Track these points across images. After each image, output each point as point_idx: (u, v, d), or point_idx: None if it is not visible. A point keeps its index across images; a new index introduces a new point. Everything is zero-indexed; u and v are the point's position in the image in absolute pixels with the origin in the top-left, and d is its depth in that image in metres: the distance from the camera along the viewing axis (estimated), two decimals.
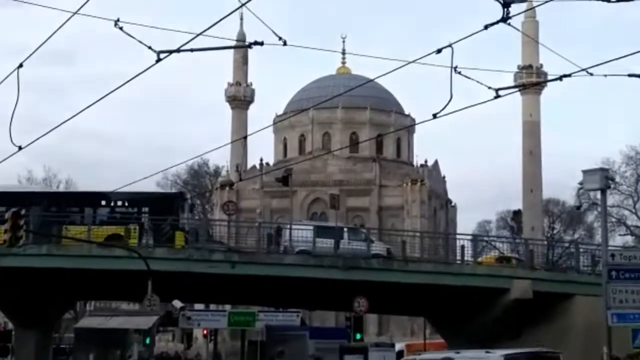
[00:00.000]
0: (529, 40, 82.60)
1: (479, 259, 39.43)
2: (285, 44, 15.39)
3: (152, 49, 15.54)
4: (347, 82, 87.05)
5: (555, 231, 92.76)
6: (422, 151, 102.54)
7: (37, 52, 18.44)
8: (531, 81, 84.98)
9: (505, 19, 13.91)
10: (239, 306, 55.34)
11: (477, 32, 14.72)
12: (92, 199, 39.61)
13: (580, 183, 27.42)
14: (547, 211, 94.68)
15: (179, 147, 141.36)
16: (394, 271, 37.68)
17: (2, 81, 21.01)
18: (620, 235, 72.63)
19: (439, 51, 15.76)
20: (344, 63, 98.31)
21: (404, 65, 17.81)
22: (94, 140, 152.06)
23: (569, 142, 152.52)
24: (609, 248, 28.88)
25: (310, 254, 37.79)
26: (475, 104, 18.19)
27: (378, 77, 23.22)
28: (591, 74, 17.27)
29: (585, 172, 26.77)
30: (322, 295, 41.80)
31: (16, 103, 19.16)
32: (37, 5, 20.81)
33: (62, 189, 76.10)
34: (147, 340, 57.28)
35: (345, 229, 42.17)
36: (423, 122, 22.49)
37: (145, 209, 38.40)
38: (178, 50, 15.78)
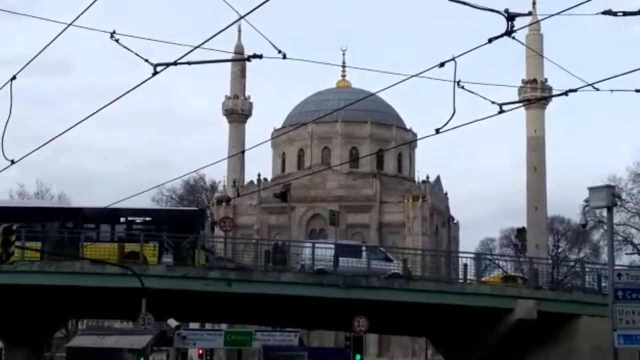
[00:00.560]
0: (533, 54, 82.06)
1: (485, 278, 38.76)
2: (284, 57, 15.06)
3: (148, 62, 15.32)
4: (347, 95, 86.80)
5: (560, 249, 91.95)
6: (424, 167, 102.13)
7: (31, 64, 18.27)
8: (536, 96, 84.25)
9: (509, 33, 13.81)
10: (236, 325, 54.59)
11: (481, 45, 14.66)
12: (111, 215, 38.21)
13: (586, 200, 27.25)
14: (552, 229, 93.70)
15: (175, 161, 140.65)
16: (395, 290, 37.12)
17: None
18: (627, 254, 71.52)
19: (442, 65, 15.56)
20: (344, 76, 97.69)
21: (405, 79, 17.64)
22: (88, 153, 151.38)
23: (573, 157, 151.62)
24: (616, 267, 28.38)
25: (326, 272, 36.72)
26: (479, 119, 17.98)
27: (379, 91, 22.78)
28: (597, 89, 17.09)
29: (591, 189, 26.50)
30: (321, 314, 41.23)
31: (9, 116, 18.90)
32: (31, 17, 20.39)
33: (55, 204, 75.20)
34: None
35: (364, 247, 41.48)
36: (425, 137, 21.91)
37: (164, 227, 37.39)
38: (175, 63, 15.56)
